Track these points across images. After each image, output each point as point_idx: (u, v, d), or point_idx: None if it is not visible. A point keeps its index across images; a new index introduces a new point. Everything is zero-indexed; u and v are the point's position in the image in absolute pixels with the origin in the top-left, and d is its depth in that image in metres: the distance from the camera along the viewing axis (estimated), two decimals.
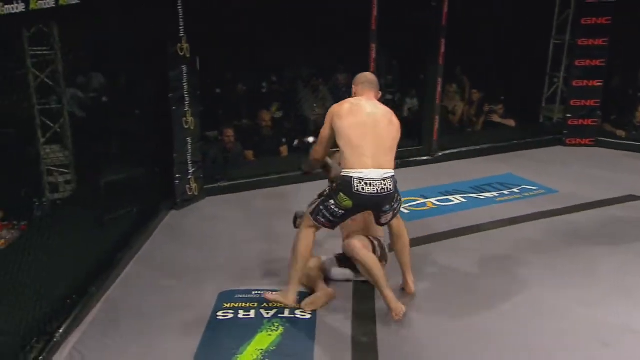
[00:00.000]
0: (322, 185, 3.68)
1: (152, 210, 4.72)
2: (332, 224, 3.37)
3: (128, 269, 3.99)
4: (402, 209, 4.87)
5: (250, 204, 5.08)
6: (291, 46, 6.10)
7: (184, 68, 4.69)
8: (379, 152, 3.23)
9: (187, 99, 4.78)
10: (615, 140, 6.77)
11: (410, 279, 3.67)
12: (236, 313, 3.45)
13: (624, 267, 4.02)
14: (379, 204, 3.27)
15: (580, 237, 4.48)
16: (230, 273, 3.85)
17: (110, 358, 3.08)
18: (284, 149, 6.03)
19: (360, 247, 3.48)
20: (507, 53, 7.02)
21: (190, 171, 4.99)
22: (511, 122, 7.08)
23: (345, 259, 3.70)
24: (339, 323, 3.38)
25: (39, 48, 4.43)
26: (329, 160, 3.69)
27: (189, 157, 4.94)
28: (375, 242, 3.66)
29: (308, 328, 3.32)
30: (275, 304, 3.46)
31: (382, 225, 3.52)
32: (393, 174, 3.29)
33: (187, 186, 5.01)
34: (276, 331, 3.28)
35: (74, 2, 3.23)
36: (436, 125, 6.23)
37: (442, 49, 5.94)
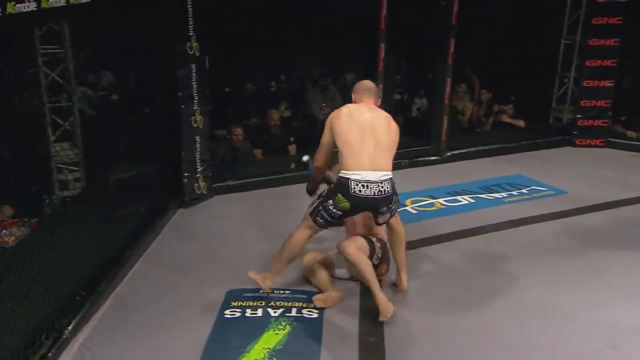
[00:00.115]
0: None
1: (160, 208, 4.73)
2: (329, 225, 3.43)
3: (136, 266, 4.02)
4: (410, 209, 4.96)
5: (259, 203, 5.09)
6: (300, 45, 6.11)
7: (193, 67, 4.70)
8: (377, 155, 3.27)
9: (196, 97, 4.79)
10: (626, 141, 6.71)
11: (404, 277, 3.68)
12: (243, 311, 3.46)
13: (634, 269, 3.99)
14: (376, 206, 3.30)
15: (590, 239, 4.45)
16: (237, 271, 3.86)
17: (118, 355, 3.10)
18: (292, 148, 6.04)
19: (352, 248, 3.46)
20: (517, 53, 6.98)
21: (198, 170, 5.00)
22: (521, 123, 7.05)
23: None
24: (345, 322, 3.38)
25: (50, 46, 4.45)
26: (329, 173, 3.73)
27: (197, 156, 4.95)
28: (378, 244, 3.64)
29: (315, 327, 3.32)
30: (283, 303, 3.49)
31: (379, 224, 3.54)
32: (391, 176, 3.31)
33: (196, 184, 5.03)
34: (283, 330, 3.29)
35: (84, 1, 3.25)
36: (445, 126, 6.21)
37: (452, 49, 5.92)
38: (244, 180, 5.45)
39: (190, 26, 4.58)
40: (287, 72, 6.95)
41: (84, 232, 3.63)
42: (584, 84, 6.67)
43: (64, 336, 3.12)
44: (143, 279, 3.86)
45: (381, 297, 3.35)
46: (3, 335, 2.74)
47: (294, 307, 3.50)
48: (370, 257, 3.56)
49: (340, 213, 3.31)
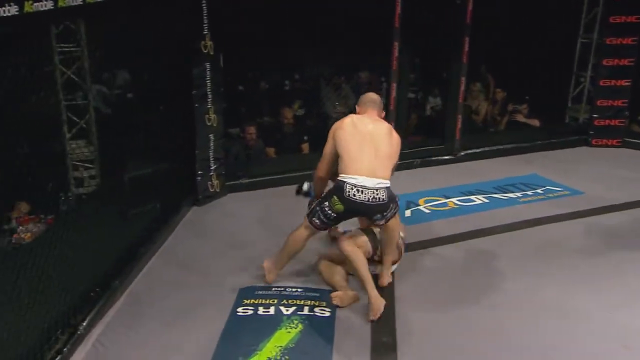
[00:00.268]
0: None
1: (174, 206, 4.76)
2: (325, 226, 3.52)
3: (150, 263, 4.05)
4: (423, 209, 4.94)
5: (272, 201, 5.10)
6: (314, 44, 6.10)
7: (208, 65, 4.72)
8: (375, 163, 3.34)
9: (210, 96, 4.81)
10: None
11: (387, 273, 3.70)
12: (256, 309, 3.47)
13: None
14: (370, 212, 3.37)
15: (606, 239, 4.40)
16: (250, 269, 3.87)
17: (132, 351, 3.13)
18: (305, 147, 6.03)
19: (349, 245, 3.50)
20: (532, 52, 6.91)
21: (212, 168, 5.02)
22: (536, 122, 6.98)
23: None
24: (358, 321, 3.38)
25: (66, 45, 4.50)
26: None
27: (211, 154, 4.97)
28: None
29: (327, 326, 3.33)
30: (295, 302, 3.52)
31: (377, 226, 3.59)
32: (388, 185, 3.35)
33: (209, 182, 5.05)
34: (295, 328, 3.29)
35: (100, 0, 3.28)
36: (459, 125, 6.18)
37: (466, 48, 5.89)
38: (257, 179, 5.46)
39: (204, 25, 4.60)
40: (301, 71, 6.94)
41: (98, 229, 3.66)
42: (601, 83, 6.60)
43: (79, 332, 3.16)
44: (157, 276, 3.89)
45: (374, 296, 3.38)
46: (20, 330, 2.77)
47: (306, 305, 3.50)
48: (375, 250, 3.66)
49: (335, 215, 3.40)
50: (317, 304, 3.51)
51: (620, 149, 6.63)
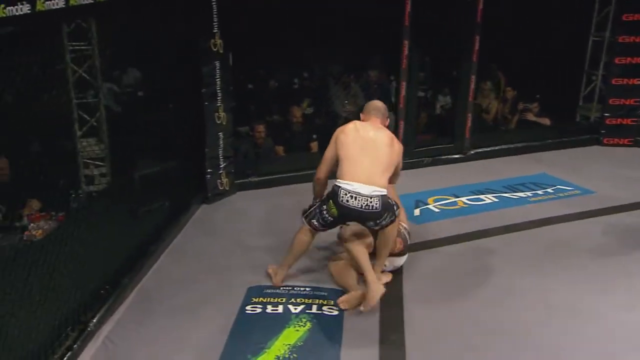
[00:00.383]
0: None
1: (184, 203, 4.78)
2: (324, 228, 3.55)
3: (160, 261, 4.07)
4: (432, 208, 4.93)
5: (281, 200, 5.11)
6: (323, 42, 6.09)
7: (217, 64, 4.73)
8: (374, 170, 3.37)
9: (219, 94, 4.83)
10: None
11: (377, 271, 3.65)
12: (264, 307, 3.48)
13: None
14: (362, 219, 3.40)
15: (618, 239, 4.37)
16: (259, 268, 3.88)
17: (141, 348, 3.15)
18: (314, 145, 6.03)
19: (349, 236, 3.56)
20: (543, 50, 6.86)
21: (221, 166, 5.04)
22: (546, 121, 6.93)
23: None
24: (366, 320, 3.37)
25: (77, 43, 4.52)
26: None
27: (220, 152, 4.99)
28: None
29: (335, 324, 3.33)
30: (303, 300, 3.53)
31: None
32: (384, 193, 3.36)
33: (219, 181, 5.07)
34: (304, 327, 3.30)
35: None
36: (469, 123, 6.15)
37: (476, 46, 5.86)
38: (266, 177, 5.48)
39: (214, 23, 4.61)
40: (310, 69, 6.94)
41: (109, 227, 3.69)
42: (613, 81, 6.55)
43: (89, 329, 3.18)
44: (166, 274, 3.91)
45: (372, 281, 3.37)
46: (31, 327, 2.80)
47: (315, 304, 3.50)
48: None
49: (332, 219, 3.44)
50: (325, 302, 3.52)
51: (632, 148, 6.57)
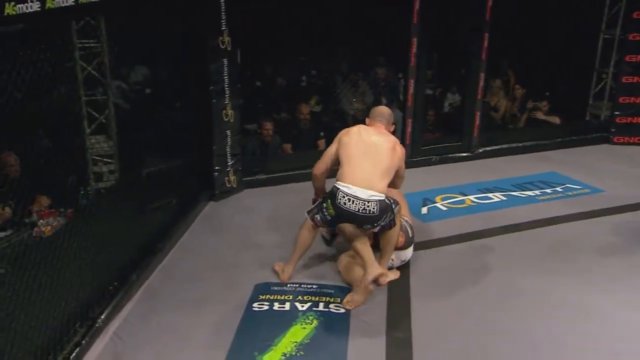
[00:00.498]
0: None
1: (191, 200, 4.80)
2: (327, 225, 3.56)
3: (168, 258, 4.08)
4: (440, 206, 4.91)
5: (288, 197, 5.11)
6: (331, 40, 6.08)
7: (225, 61, 4.74)
8: (373, 174, 3.37)
9: (227, 91, 4.83)
10: None
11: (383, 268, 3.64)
12: (271, 305, 3.48)
13: None
14: (358, 221, 3.39)
15: (627, 238, 4.34)
16: (266, 265, 3.89)
17: (149, 344, 3.16)
18: (321, 143, 6.03)
19: (348, 228, 3.50)
20: (553, 48, 6.81)
21: (229, 163, 5.05)
22: (556, 119, 6.89)
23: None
24: (373, 317, 3.37)
25: (87, 40, 4.54)
26: None
27: (228, 150, 5.00)
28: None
29: (342, 322, 3.33)
30: (310, 298, 3.53)
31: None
32: (382, 198, 3.36)
33: (226, 178, 5.08)
34: (310, 324, 3.30)
35: None
36: (477, 122, 6.12)
37: (485, 44, 5.83)
38: (273, 175, 5.48)
39: (222, 20, 4.61)
40: (318, 67, 6.93)
41: (117, 223, 3.70)
42: (623, 80, 6.49)
43: (97, 325, 3.20)
44: (174, 271, 3.93)
45: (371, 265, 3.31)
46: (40, 322, 2.82)
47: (321, 301, 3.51)
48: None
49: (330, 218, 3.44)
50: (332, 300, 3.52)
51: None
